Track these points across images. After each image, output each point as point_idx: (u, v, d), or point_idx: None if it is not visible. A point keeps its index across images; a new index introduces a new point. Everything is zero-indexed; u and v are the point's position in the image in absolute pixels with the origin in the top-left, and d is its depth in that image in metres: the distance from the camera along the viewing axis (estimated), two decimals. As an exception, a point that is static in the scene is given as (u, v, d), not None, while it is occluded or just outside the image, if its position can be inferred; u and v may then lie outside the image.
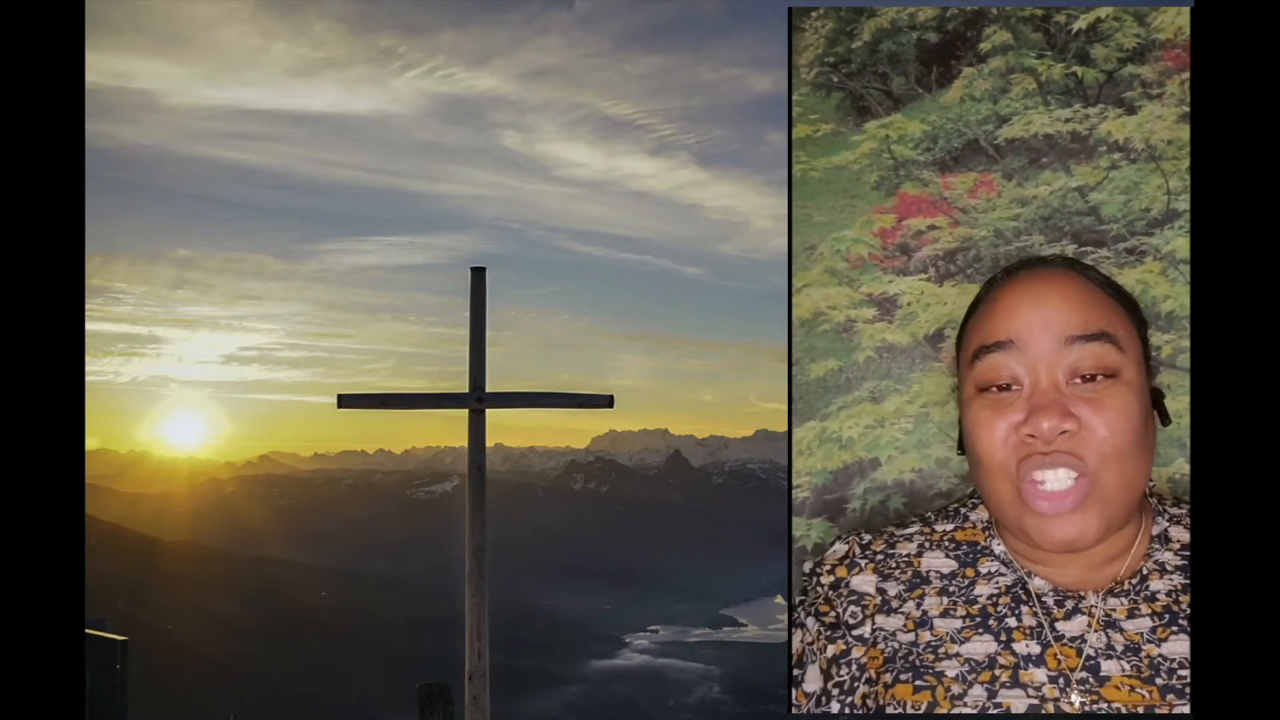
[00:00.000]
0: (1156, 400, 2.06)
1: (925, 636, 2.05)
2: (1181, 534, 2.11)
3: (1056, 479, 1.94)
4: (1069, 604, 2.02)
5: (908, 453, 2.42)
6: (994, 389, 2.00)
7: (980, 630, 2.02)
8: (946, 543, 2.18)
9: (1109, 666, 1.94)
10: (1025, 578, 2.07)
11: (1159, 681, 1.94)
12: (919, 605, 2.09)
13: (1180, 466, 2.32)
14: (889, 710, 2.01)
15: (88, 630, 5.34)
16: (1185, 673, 1.94)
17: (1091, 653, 1.96)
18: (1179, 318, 2.34)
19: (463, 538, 4.20)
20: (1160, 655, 1.96)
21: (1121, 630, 1.99)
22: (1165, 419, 2.08)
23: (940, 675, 1.99)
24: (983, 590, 2.08)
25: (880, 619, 2.11)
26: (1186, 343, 2.31)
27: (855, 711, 2.07)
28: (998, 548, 2.12)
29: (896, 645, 2.06)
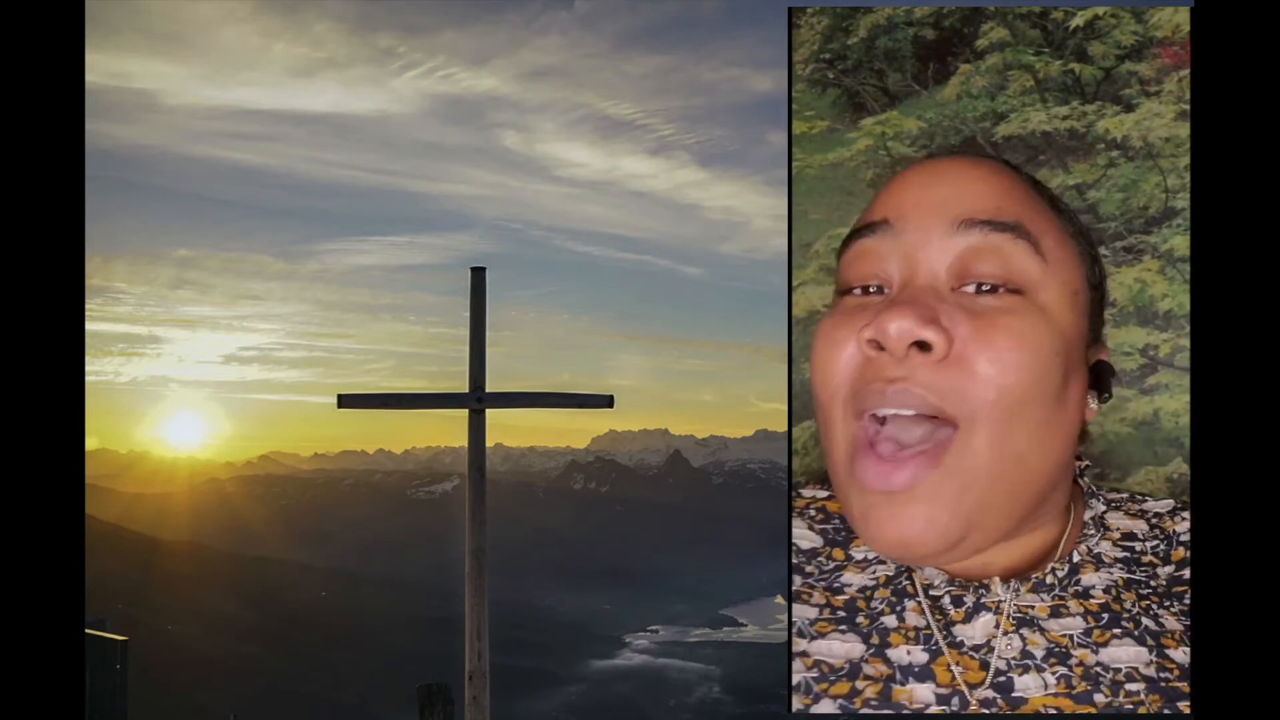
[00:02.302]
0: (1099, 376, 1.57)
1: None
2: (1123, 521, 1.70)
3: (899, 426, 1.35)
4: (969, 600, 1.50)
5: (906, 451, 2.42)
6: (855, 291, 1.45)
7: (843, 627, 1.50)
8: (812, 512, 1.68)
9: (1026, 682, 1.43)
10: (912, 566, 1.55)
11: (1099, 698, 1.43)
12: None
13: (1179, 466, 2.32)
14: None
15: (88, 630, 5.34)
16: (1135, 687, 1.46)
17: (1001, 664, 1.44)
18: (1177, 317, 2.34)
19: (463, 538, 4.20)
20: (1099, 664, 1.46)
21: (1043, 630, 1.48)
22: (1103, 394, 1.56)
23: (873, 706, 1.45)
24: (853, 579, 1.57)
25: None
26: (1185, 342, 2.31)
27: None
28: None
29: None
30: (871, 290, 1.42)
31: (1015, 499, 1.39)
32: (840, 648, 1.47)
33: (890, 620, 1.49)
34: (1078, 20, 2.46)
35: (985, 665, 1.43)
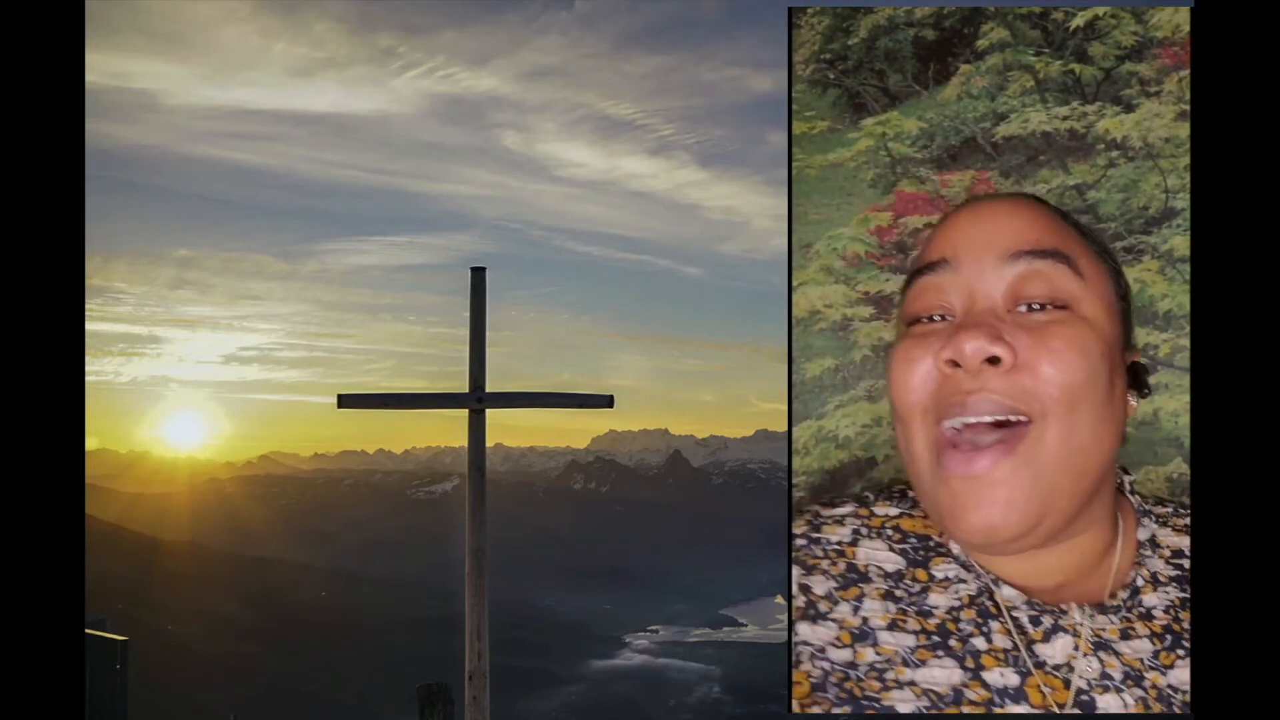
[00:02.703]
0: (1136, 375, 1.73)
1: (867, 654, 1.60)
2: (1171, 538, 1.82)
3: (975, 432, 1.55)
4: (1047, 621, 1.63)
5: (906, 451, 2.42)
6: (923, 320, 1.65)
7: (939, 653, 1.60)
8: (889, 531, 1.76)
9: (1107, 702, 1.57)
10: (991, 585, 1.67)
11: None
12: (856, 610, 1.64)
13: (1179, 466, 2.32)
14: None
15: (88, 630, 5.34)
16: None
17: (1083, 684, 1.58)
18: (1177, 316, 2.34)
19: (463, 538, 4.20)
20: (1169, 685, 1.61)
21: (1117, 654, 1.62)
22: (1142, 389, 1.73)
23: (890, 712, 1.56)
24: (939, 601, 1.66)
25: (804, 629, 1.62)
26: (1185, 341, 2.31)
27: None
28: (955, 546, 1.71)
29: (828, 666, 1.59)
30: (936, 319, 1.62)
31: (1079, 485, 1.56)
32: (942, 675, 1.57)
33: (980, 642, 1.61)
34: (1078, 21, 2.46)
35: (1068, 684, 1.56)
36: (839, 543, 1.73)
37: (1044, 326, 1.56)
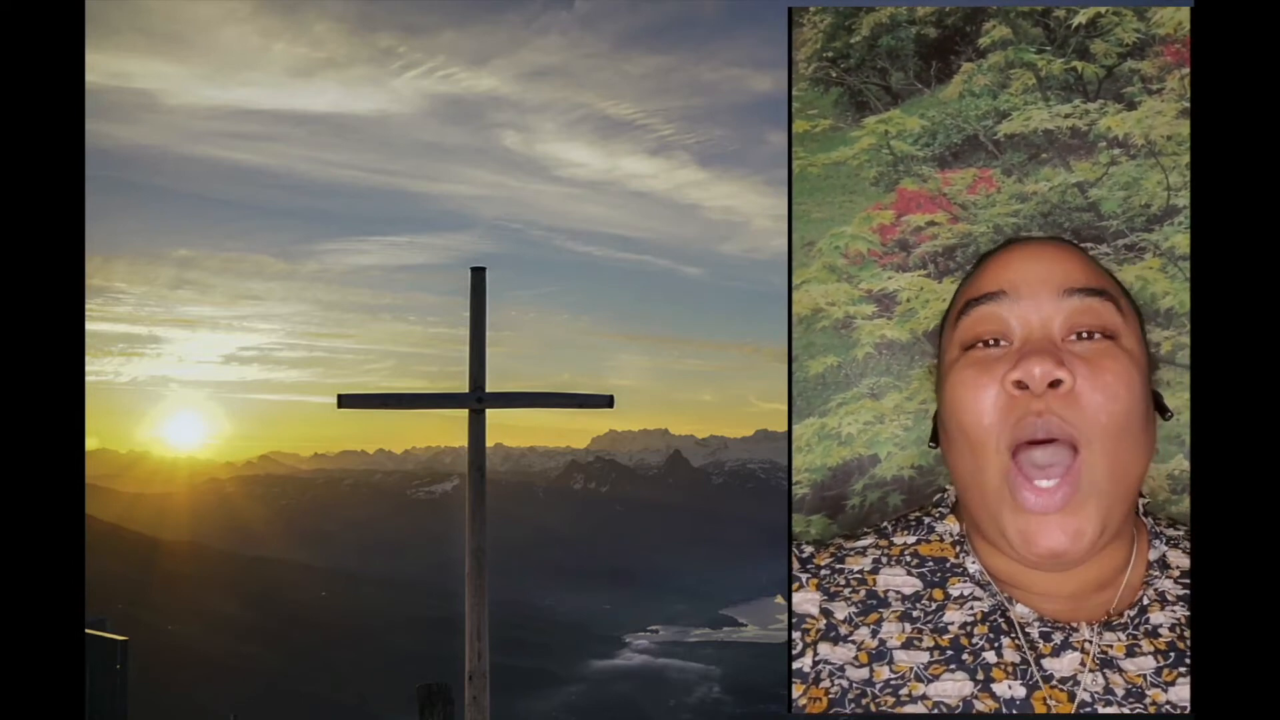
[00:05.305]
0: (1155, 398, 1.90)
1: (883, 673, 1.73)
2: (1180, 559, 1.91)
3: (1047, 456, 1.70)
4: (1057, 637, 1.75)
5: (907, 449, 2.42)
6: (980, 345, 1.80)
7: (952, 666, 1.73)
8: (908, 558, 1.90)
9: (1110, 714, 1.70)
10: (1005, 603, 1.80)
11: None
12: (875, 633, 1.77)
13: (1180, 463, 2.32)
14: None
15: (88, 630, 5.34)
16: None
17: (1087, 698, 1.69)
18: (1178, 314, 2.33)
19: (463, 538, 4.20)
20: (1168, 702, 1.73)
21: (1121, 671, 1.74)
22: (1164, 413, 1.91)
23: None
24: (954, 617, 1.80)
25: (824, 648, 1.76)
26: (1186, 339, 2.31)
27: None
28: (972, 566, 1.85)
29: (846, 684, 1.73)
30: (991, 344, 1.78)
31: (1124, 499, 1.74)
32: (953, 688, 1.69)
33: (990, 656, 1.73)
34: (1080, 18, 2.45)
35: (1073, 697, 1.68)
36: (860, 571, 1.87)
37: (1095, 357, 1.73)
